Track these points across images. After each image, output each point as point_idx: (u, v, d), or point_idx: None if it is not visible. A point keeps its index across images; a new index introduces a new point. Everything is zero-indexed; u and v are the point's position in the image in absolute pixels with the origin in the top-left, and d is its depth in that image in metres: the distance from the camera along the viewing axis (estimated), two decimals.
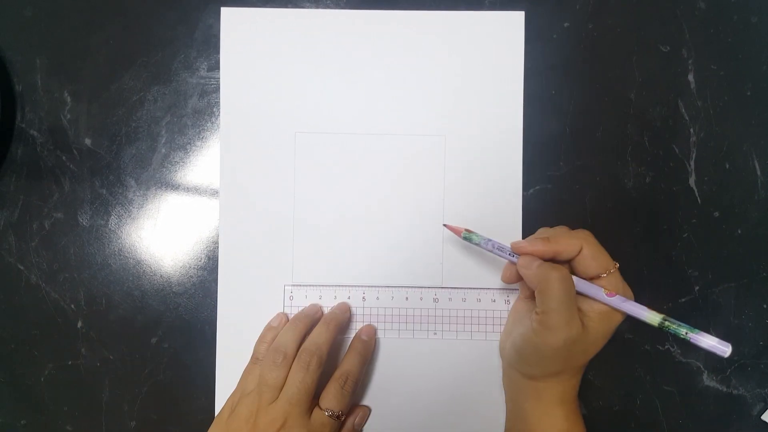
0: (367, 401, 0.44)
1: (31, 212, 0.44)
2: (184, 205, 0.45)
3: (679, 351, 0.44)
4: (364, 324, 0.44)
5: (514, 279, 0.39)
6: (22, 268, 0.44)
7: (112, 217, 0.44)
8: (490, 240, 0.39)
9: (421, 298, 0.44)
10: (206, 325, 0.44)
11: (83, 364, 0.44)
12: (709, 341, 0.34)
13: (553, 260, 0.37)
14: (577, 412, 0.39)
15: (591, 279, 0.37)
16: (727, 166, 0.45)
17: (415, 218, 0.44)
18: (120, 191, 0.44)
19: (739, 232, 0.45)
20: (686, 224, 0.45)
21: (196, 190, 0.45)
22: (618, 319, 0.37)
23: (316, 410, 0.39)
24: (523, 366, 0.39)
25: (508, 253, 0.38)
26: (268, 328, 0.43)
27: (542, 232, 0.39)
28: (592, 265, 0.37)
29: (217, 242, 0.44)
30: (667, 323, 0.35)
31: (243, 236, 0.44)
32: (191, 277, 0.44)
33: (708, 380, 0.44)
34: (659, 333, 0.44)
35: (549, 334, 0.36)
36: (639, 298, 0.44)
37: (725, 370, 0.44)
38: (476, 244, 0.40)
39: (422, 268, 0.44)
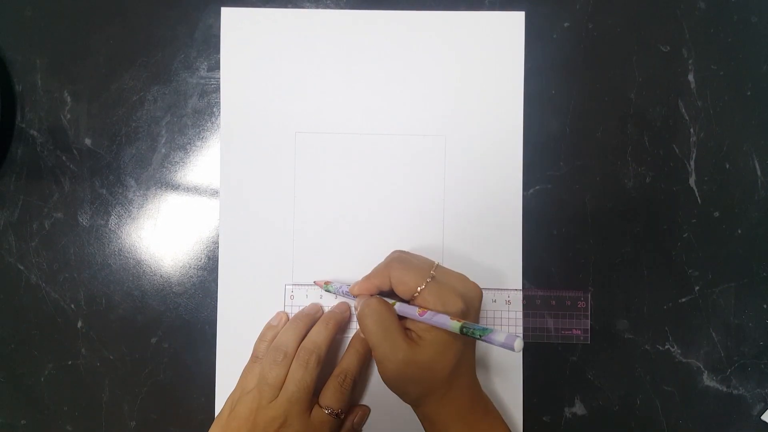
0: (366, 401, 0.44)
1: (31, 212, 0.44)
2: (184, 205, 0.45)
3: (679, 351, 0.44)
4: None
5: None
6: (22, 268, 0.44)
7: (112, 217, 0.44)
8: (340, 286, 0.42)
9: None
10: (206, 325, 0.44)
11: (83, 364, 0.44)
12: (498, 338, 0.34)
13: (386, 294, 0.39)
14: (482, 419, 0.39)
15: (410, 300, 0.38)
16: (727, 166, 0.45)
17: (415, 218, 0.44)
18: (120, 191, 0.44)
19: (739, 232, 0.45)
20: (686, 224, 0.45)
21: (196, 190, 0.45)
22: (447, 332, 0.37)
23: (316, 408, 0.39)
24: (402, 398, 0.39)
25: (343, 291, 0.41)
26: (268, 326, 0.43)
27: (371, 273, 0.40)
28: (402, 290, 0.38)
29: (217, 242, 0.44)
30: (465, 328, 0.35)
31: (243, 236, 0.44)
32: (191, 277, 0.44)
33: (708, 380, 0.44)
34: (659, 333, 0.44)
35: (381, 367, 0.37)
36: (639, 298, 0.44)
37: (725, 370, 0.44)
38: (334, 293, 0.43)
39: None
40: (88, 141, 0.45)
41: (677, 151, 0.45)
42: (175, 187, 0.45)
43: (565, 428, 0.44)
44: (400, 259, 0.39)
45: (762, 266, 0.44)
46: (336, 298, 0.44)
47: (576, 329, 0.44)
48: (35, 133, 0.44)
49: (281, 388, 0.38)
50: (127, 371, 0.44)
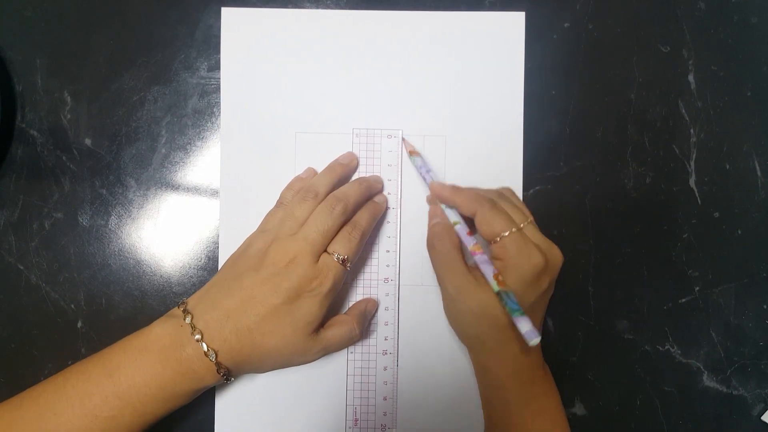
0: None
1: (31, 212, 0.44)
2: (184, 205, 0.45)
3: (679, 351, 0.44)
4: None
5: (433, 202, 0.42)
6: (22, 268, 0.44)
7: (112, 217, 0.44)
8: (424, 167, 0.42)
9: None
10: None
11: None
12: (522, 326, 0.35)
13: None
14: (533, 381, 0.39)
15: (490, 241, 0.38)
16: (728, 166, 0.45)
17: (414, 219, 0.44)
18: (120, 191, 0.44)
19: (739, 232, 0.45)
20: (686, 225, 0.45)
21: (196, 190, 0.45)
22: (515, 275, 0.37)
23: (324, 254, 0.39)
24: (460, 337, 0.40)
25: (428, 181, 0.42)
26: (297, 178, 0.44)
27: (465, 188, 0.41)
28: (484, 230, 0.38)
29: (217, 242, 0.44)
30: (501, 294, 0.36)
31: (243, 236, 0.44)
32: (191, 277, 0.44)
33: (708, 381, 0.44)
34: (659, 333, 0.44)
35: (443, 296, 0.39)
36: (639, 299, 0.44)
37: (725, 370, 0.44)
38: (415, 167, 0.43)
39: (423, 267, 0.44)
40: (88, 141, 0.45)
41: (677, 151, 0.45)
42: (176, 187, 0.45)
43: None
44: (495, 198, 0.39)
45: (762, 267, 0.44)
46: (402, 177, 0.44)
47: None
48: (35, 133, 0.44)
49: (301, 226, 0.38)
50: None
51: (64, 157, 0.44)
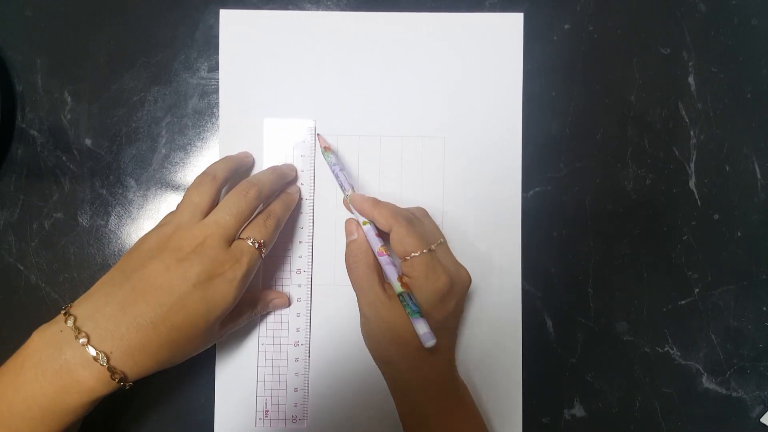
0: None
1: (31, 212, 0.44)
2: None
3: (678, 353, 0.44)
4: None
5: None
6: (22, 268, 0.44)
7: (112, 217, 0.44)
8: (337, 165, 0.42)
9: None
10: None
11: None
12: (420, 328, 0.35)
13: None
14: (457, 403, 0.38)
15: (401, 258, 0.38)
16: (727, 168, 0.45)
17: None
18: (120, 192, 0.45)
19: (739, 234, 0.45)
20: (686, 226, 0.45)
21: None
22: (424, 293, 0.37)
23: (237, 240, 0.36)
24: (374, 357, 0.40)
25: (345, 190, 0.41)
26: (230, 157, 0.42)
27: (384, 203, 0.40)
28: (397, 248, 0.38)
29: None
30: (402, 296, 0.36)
31: None
32: None
33: (707, 382, 0.44)
34: (659, 335, 0.44)
35: (366, 314, 0.38)
36: (638, 300, 0.44)
37: (725, 372, 0.44)
38: (328, 164, 0.42)
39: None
40: (88, 141, 0.45)
41: (677, 153, 0.45)
42: (176, 187, 0.45)
43: (564, 430, 0.44)
44: (411, 218, 0.39)
45: (761, 269, 0.44)
46: (298, 168, 0.43)
47: None
48: (35, 133, 0.44)
49: (206, 214, 0.36)
50: None
51: (64, 157, 0.44)
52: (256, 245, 0.36)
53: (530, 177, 0.44)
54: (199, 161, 0.45)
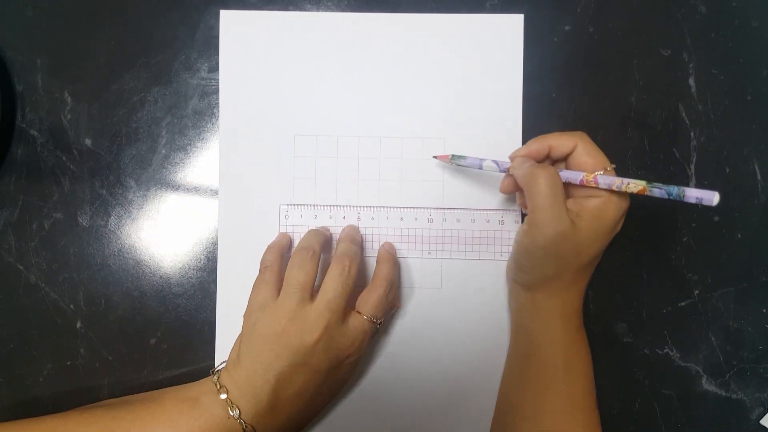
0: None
1: (31, 212, 0.44)
2: (184, 206, 0.45)
3: (678, 355, 0.44)
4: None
5: (511, 188, 0.39)
6: (21, 268, 0.44)
7: (112, 217, 0.44)
8: (481, 159, 0.40)
9: (415, 219, 0.44)
10: (205, 326, 0.44)
11: (82, 365, 0.44)
12: (695, 193, 0.34)
13: (549, 160, 0.38)
14: (579, 328, 0.39)
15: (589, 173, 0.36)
16: (728, 170, 0.45)
17: (414, 222, 0.44)
18: (120, 192, 0.44)
19: (739, 236, 0.45)
20: (686, 228, 0.45)
21: (195, 191, 0.45)
22: (610, 217, 0.36)
23: (355, 315, 0.37)
24: (519, 275, 0.39)
25: (501, 166, 0.39)
26: (272, 242, 0.42)
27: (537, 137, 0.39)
28: (588, 162, 0.36)
29: (216, 243, 0.44)
30: (651, 185, 0.35)
31: (242, 237, 0.44)
32: (190, 278, 0.44)
33: (707, 384, 0.44)
34: (658, 337, 0.44)
35: (537, 231, 0.35)
36: (638, 302, 0.44)
37: (724, 374, 0.44)
38: (467, 166, 0.41)
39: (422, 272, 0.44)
40: (88, 141, 0.45)
41: (677, 155, 0.45)
42: (175, 187, 0.45)
43: None
44: (587, 137, 0.37)
45: (761, 271, 0.44)
46: (330, 217, 0.43)
47: None
48: (35, 133, 0.44)
49: (312, 292, 0.37)
50: (126, 372, 0.44)
51: (64, 157, 0.44)
52: (376, 322, 0.38)
53: None
54: (199, 161, 0.45)
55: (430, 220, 0.44)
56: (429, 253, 0.44)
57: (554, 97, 0.45)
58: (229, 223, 0.44)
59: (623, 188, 0.35)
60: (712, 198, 0.33)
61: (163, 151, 0.45)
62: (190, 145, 0.45)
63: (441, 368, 0.44)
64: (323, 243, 0.40)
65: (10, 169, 0.44)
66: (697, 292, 0.44)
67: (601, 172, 0.36)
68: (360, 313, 0.38)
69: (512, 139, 0.44)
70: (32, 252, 0.44)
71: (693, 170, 0.45)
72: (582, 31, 0.45)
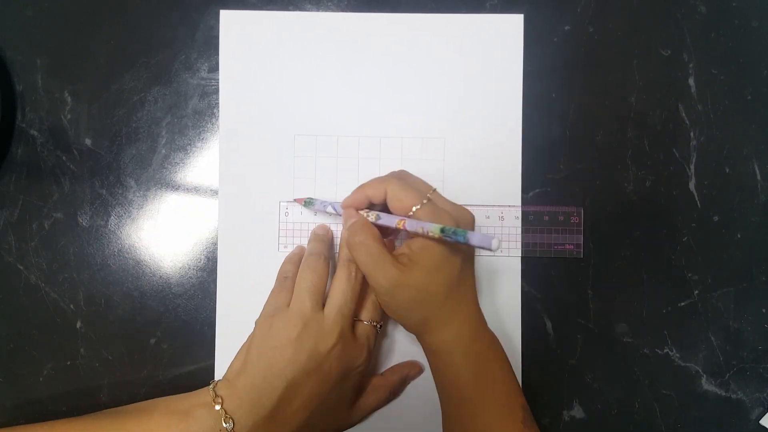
0: None
1: (31, 212, 0.44)
2: (184, 206, 0.45)
3: (678, 355, 0.44)
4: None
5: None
6: (21, 268, 0.44)
7: (112, 217, 0.44)
8: (324, 202, 0.41)
9: None
10: (205, 326, 0.44)
11: (82, 365, 0.44)
12: (474, 239, 0.33)
13: (374, 207, 0.39)
14: (478, 353, 0.38)
15: (402, 215, 0.37)
16: (727, 170, 0.45)
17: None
18: (120, 192, 0.44)
19: (739, 236, 0.45)
20: (686, 228, 0.45)
21: (195, 191, 0.45)
22: (436, 252, 0.35)
23: (358, 323, 0.38)
24: (403, 326, 0.39)
25: (337, 211, 0.40)
26: (291, 254, 0.42)
27: (362, 183, 0.39)
28: (397, 207, 0.37)
29: (216, 243, 0.44)
30: (444, 230, 0.34)
31: (242, 238, 0.44)
32: (190, 278, 0.44)
33: (707, 384, 0.44)
34: (658, 337, 0.44)
35: (378, 293, 0.36)
36: (638, 302, 0.44)
37: (724, 374, 0.44)
38: (316, 210, 0.43)
39: None
40: (88, 141, 0.45)
41: (677, 155, 0.45)
42: (175, 187, 0.45)
43: (563, 431, 0.44)
44: (399, 176, 0.38)
45: (761, 270, 0.44)
46: (315, 214, 0.44)
47: (569, 244, 0.44)
48: (35, 133, 0.44)
49: (323, 297, 0.37)
50: (125, 372, 0.44)
51: (64, 157, 0.44)
52: (377, 325, 0.39)
53: (530, 178, 0.44)
54: (199, 161, 0.45)
55: None
56: None
57: (554, 97, 0.45)
58: (229, 223, 0.44)
59: (429, 234, 0.35)
60: (490, 243, 0.33)
61: (163, 151, 0.45)
62: (190, 145, 0.45)
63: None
64: (330, 247, 0.41)
65: (10, 169, 0.44)
66: (697, 292, 0.44)
67: (411, 213, 0.36)
68: (361, 320, 0.39)
69: (512, 139, 0.44)
70: (32, 252, 0.44)
71: (693, 170, 0.45)
72: (582, 31, 0.45)
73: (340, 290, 0.37)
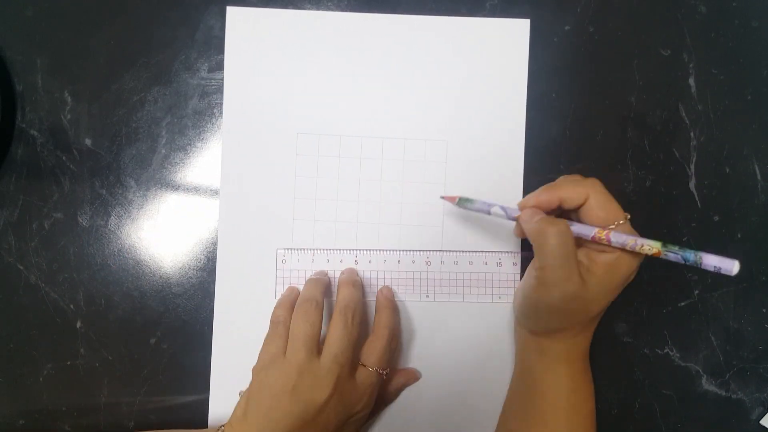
0: None
1: (31, 212, 0.44)
2: (184, 206, 0.45)
3: (678, 355, 0.44)
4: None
5: (524, 234, 0.37)
6: (21, 268, 0.44)
7: (112, 217, 0.44)
8: (488, 203, 0.38)
9: (413, 261, 0.44)
10: (205, 326, 0.44)
11: (82, 365, 0.44)
12: (714, 261, 0.32)
13: (559, 210, 0.36)
14: (584, 371, 0.38)
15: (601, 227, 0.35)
16: (727, 170, 0.45)
17: (415, 222, 0.44)
18: (120, 192, 0.44)
19: (739, 236, 0.45)
20: (686, 228, 0.45)
21: (195, 191, 0.45)
22: (623, 272, 0.34)
23: (361, 369, 0.37)
24: (526, 322, 0.38)
25: (509, 213, 0.37)
26: (282, 298, 0.41)
27: (548, 184, 0.37)
28: (599, 215, 0.34)
29: (216, 243, 0.44)
30: (666, 247, 0.33)
31: (243, 238, 0.44)
32: (190, 277, 0.44)
33: (707, 384, 0.44)
34: (658, 337, 0.44)
35: (545, 290, 0.34)
36: (638, 302, 0.44)
37: (724, 374, 0.44)
38: (475, 210, 0.39)
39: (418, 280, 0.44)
40: (88, 141, 0.44)
41: (677, 154, 0.45)
42: (175, 187, 0.45)
43: None
44: (600, 186, 0.35)
45: (761, 270, 0.44)
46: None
47: None
48: (35, 133, 0.44)
49: (318, 345, 0.36)
50: (125, 372, 0.44)
51: (64, 157, 0.44)
52: (383, 372, 0.38)
53: (531, 178, 0.44)
54: (199, 161, 0.45)
55: (428, 263, 0.44)
56: (427, 296, 0.44)
57: (554, 97, 0.45)
58: (229, 222, 0.44)
59: (637, 249, 0.33)
60: (731, 267, 0.31)
61: (163, 151, 0.45)
62: (190, 145, 0.45)
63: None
64: (324, 291, 0.40)
65: (10, 169, 0.44)
66: (697, 291, 0.44)
67: (614, 227, 0.34)
68: (365, 366, 0.38)
69: (515, 142, 0.44)
70: (32, 252, 0.44)
71: (693, 170, 0.45)
72: (582, 31, 0.45)
73: (336, 337, 0.36)
